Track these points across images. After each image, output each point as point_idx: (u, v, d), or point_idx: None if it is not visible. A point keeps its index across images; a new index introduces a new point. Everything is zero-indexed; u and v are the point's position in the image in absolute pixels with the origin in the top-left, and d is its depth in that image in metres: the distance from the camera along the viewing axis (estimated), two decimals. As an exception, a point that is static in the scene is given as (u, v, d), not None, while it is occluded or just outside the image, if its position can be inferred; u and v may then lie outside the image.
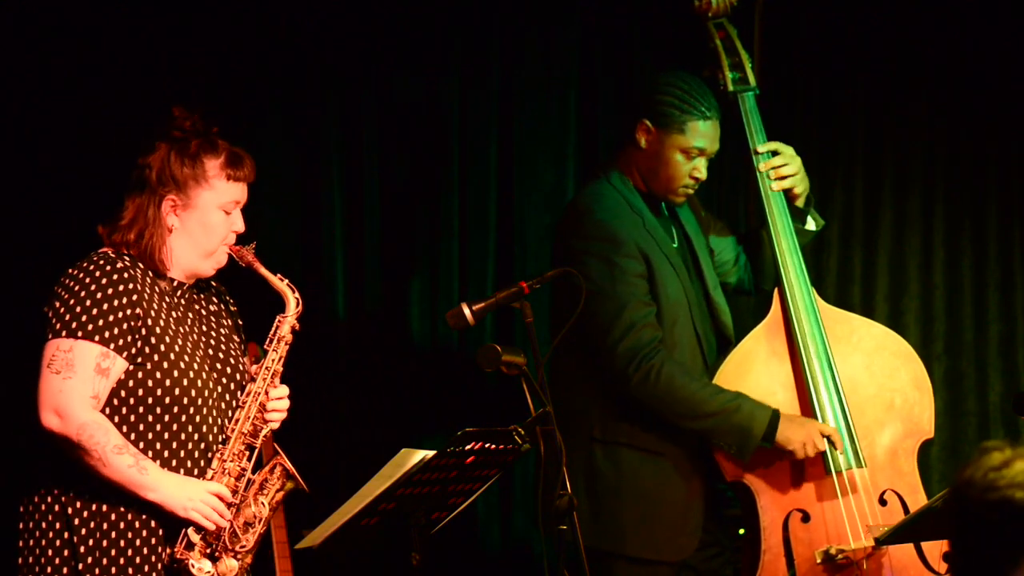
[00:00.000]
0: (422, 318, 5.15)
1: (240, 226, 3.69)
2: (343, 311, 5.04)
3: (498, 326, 5.18)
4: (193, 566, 3.53)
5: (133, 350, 3.54)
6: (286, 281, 3.72)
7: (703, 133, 4.20)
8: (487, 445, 3.53)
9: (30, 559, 3.57)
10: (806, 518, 4.25)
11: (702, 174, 4.24)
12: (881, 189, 5.40)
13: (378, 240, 5.10)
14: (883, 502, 4.28)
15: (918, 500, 4.28)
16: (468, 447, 3.50)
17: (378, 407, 5.11)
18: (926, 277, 5.41)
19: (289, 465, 3.63)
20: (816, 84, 5.38)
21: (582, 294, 3.90)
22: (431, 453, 3.46)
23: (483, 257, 5.18)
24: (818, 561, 4.20)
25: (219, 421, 3.64)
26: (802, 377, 4.28)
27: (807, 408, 4.27)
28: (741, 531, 4.40)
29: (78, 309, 3.52)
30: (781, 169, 4.36)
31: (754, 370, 4.26)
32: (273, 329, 3.71)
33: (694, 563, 4.33)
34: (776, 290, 4.35)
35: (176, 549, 3.54)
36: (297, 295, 3.72)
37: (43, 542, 3.56)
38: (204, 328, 3.71)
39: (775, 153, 4.37)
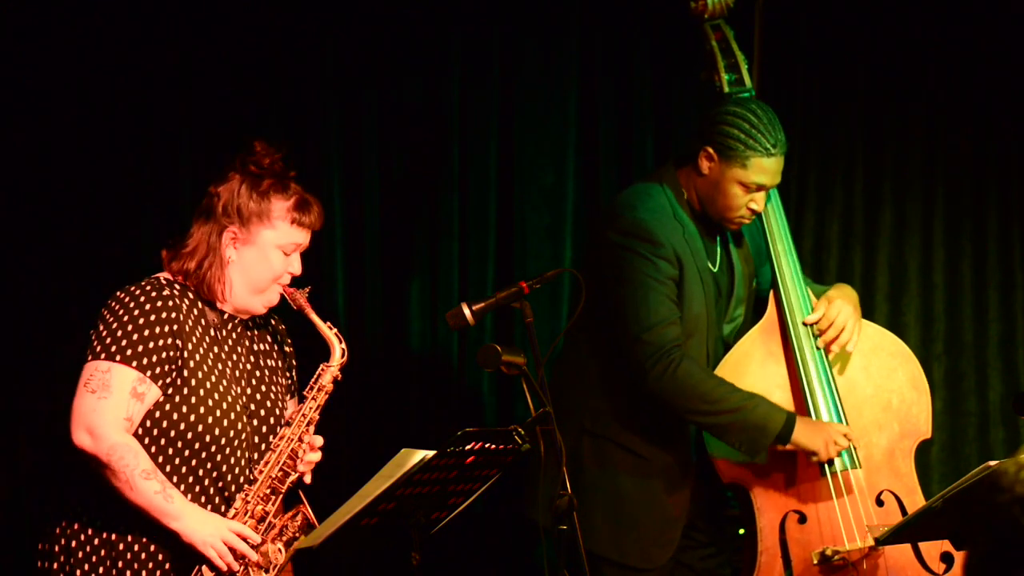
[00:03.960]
0: (422, 318, 5.15)
1: (297, 269, 3.71)
2: (343, 311, 5.05)
3: (498, 326, 5.18)
4: None
5: (167, 380, 3.57)
6: (335, 330, 3.74)
7: (765, 169, 4.16)
8: (487, 445, 3.53)
9: None
10: (802, 519, 4.25)
11: (759, 207, 4.22)
12: (881, 189, 5.40)
13: (378, 240, 5.11)
14: (880, 503, 4.28)
15: (915, 501, 4.28)
16: (468, 447, 3.50)
17: (378, 407, 5.11)
18: (926, 277, 5.40)
19: (311, 515, 3.64)
20: (816, 84, 5.38)
21: (583, 292, 3.91)
22: (431, 453, 3.46)
23: (483, 257, 5.18)
24: (814, 562, 4.21)
25: (244, 461, 3.66)
26: (797, 378, 4.28)
27: (803, 410, 4.27)
28: (741, 531, 4.40)
29: (119, 333, 3.55)
30: (836, 339, 4.32)
31: (750, 371, 4.26)
32: (315, 377, 3.73)
33: (691, 562, 4.34)
34: (771, 291, 4.36)
35: None
36: (344, 346, 3.74)
37: (55, 566, 3.60)
38: (248, 366, 3.73)
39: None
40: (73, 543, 3.58)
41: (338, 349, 3.73)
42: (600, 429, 4.26)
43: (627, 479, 4.25)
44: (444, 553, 4.93)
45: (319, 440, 3.74)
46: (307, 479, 3.73)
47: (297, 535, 3.63)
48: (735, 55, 4.41)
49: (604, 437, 4.25)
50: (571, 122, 5.24)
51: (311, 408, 3.71)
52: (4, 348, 4.73)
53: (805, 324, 4.30)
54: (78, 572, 3.57)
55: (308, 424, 3.71)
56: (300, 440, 3.69)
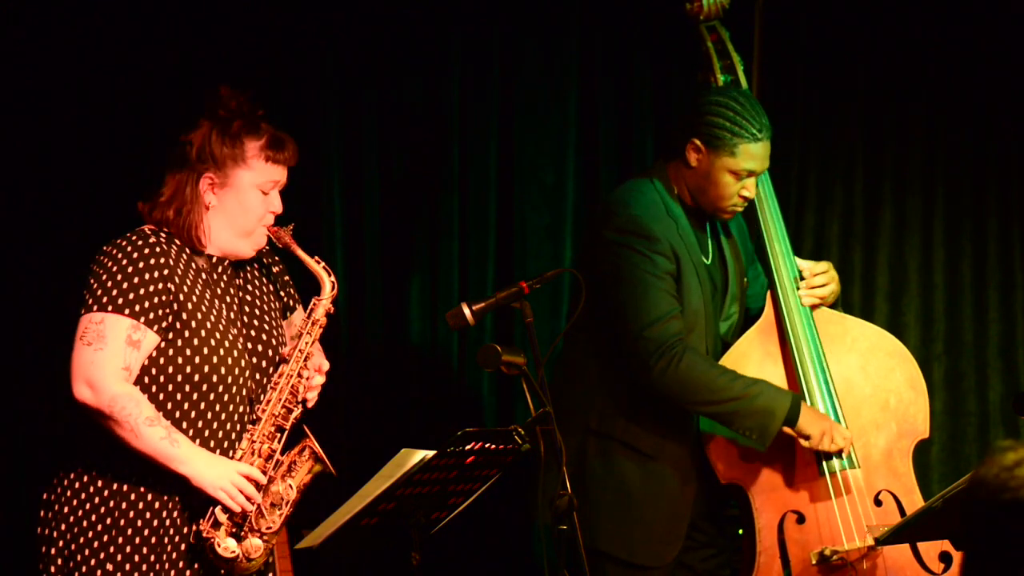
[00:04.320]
0: (422, 318, 5.15)
1: (278, 207, 3.73)
2: (343, 311, 5.05)
3: (498, 326, 5.19)
4: (219, 544, 3.56)
5: (164, 324, 3.57)
6: (322, 264, 3.77)
7: (753, 155, 4.17)
8: (487, 445, 3.54)
9: (51, 533, 3.61)
10: (801, 519, 4.25)
11: (751, 193, 4.22)
12: (881, 188, 5.40)
13: (378, 240, 5.11)
14: (878, 503, 4.28)
15: (914, 500, 4.28)
16: (468, 447, 3.50)
17: (378, 407, 5.11)
18: (926, 277, 5.40)
19: (318, 448, 3.65)
20: (816, 83, 5.38)
21: (582, 292, 3.92)
22: (431, 453, 3.46)
23: (483, 257, 5.18)
24: (813, 562, 4.21)
25: (249, 400, 3.67)
26: (795, 379, 4.28)
27: (802, 409, 4.27)
28: (740, 531, 4.40)
29: (109, 284, 3.56)
30: (817, 291, 4.36)
31: (748, 372, 4.26)
32: (308, 311, 3.75)
33: (691, 563, 4.34)
34: (768, 292, 4.36)
35: (203, 527, 3.57)
36: (333, 278, 3.77)
37: (59, 517, 3.59)
38: (243, 306, 3.74)
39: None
40: (83, 495, 3.57)
41: (327, 282, 3.75)
42: (605, 429, 4.25)
43: (633, 477, 4.24)
44: (444, 553, 4.93)
45: (326, 365, 3.78)
46: (310, 404, 3.74)
47: (307, 468, 3.65)
48: (731, 56, 4.41)
49: (608, 436, 4.25)
50: (571, 122, 5.24)
51: (306, 343, 3.73)
52: (4, 348, 4.74)
53: (800, 277, 4.34)
54: (84, 522, 3.56)
55: (305, 359, 3.72)
56: (299, 376, 3.71)
